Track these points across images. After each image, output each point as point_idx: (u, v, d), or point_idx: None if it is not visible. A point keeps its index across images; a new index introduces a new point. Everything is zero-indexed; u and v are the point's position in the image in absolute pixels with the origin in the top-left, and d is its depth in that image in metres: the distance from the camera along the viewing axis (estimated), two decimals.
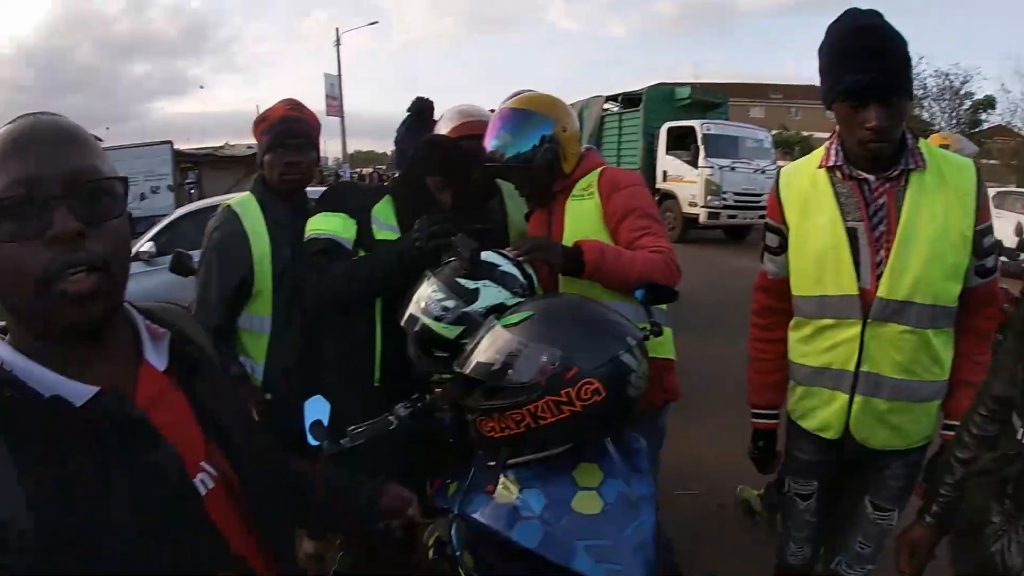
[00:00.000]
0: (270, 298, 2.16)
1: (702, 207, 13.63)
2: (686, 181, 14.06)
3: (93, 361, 0.83)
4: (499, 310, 1.66)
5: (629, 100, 15.77)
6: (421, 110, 2.28)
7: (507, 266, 1.76)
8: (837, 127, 1.69)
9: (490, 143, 2.00)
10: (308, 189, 2.32)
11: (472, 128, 2.19)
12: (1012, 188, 14.42)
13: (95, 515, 0.75)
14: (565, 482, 1.51)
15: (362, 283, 1.96)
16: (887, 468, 1.77)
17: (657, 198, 7.11)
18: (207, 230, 2.22)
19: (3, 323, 0.84)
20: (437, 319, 1.70)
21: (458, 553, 1.63)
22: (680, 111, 14.93)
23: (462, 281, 1.71)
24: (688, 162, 14.02)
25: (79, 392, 0.79)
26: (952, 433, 1.62)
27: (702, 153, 13.66)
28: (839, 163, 1.67)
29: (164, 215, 7.82)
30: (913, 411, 1.69)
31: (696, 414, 4.04)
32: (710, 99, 16.34)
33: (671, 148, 14.31)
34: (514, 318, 1.52)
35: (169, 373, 0.92)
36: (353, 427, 1.53)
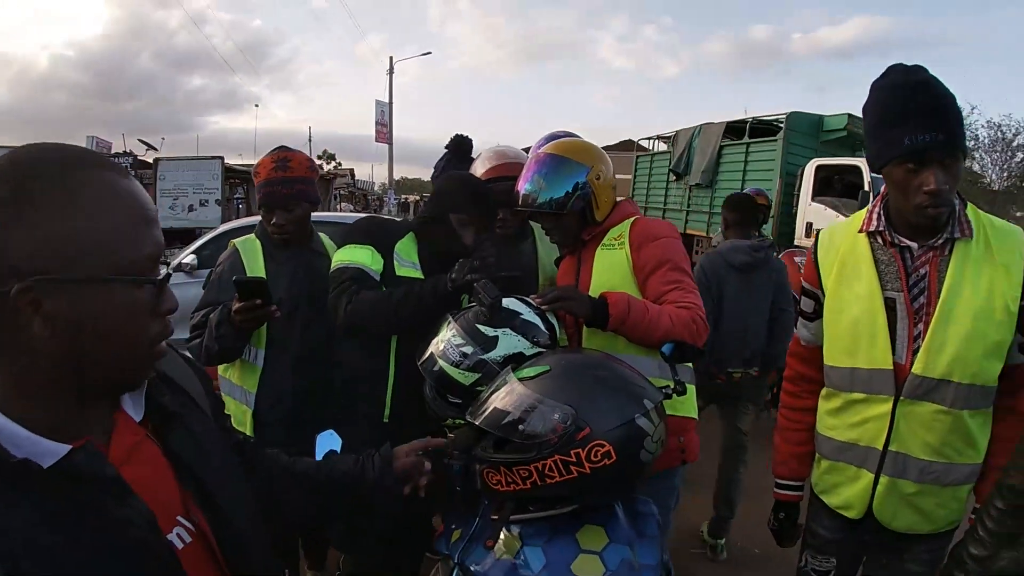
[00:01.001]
0: (264, 331, 2.21)
1: None
2: None
3: (75, 417, 0.81)
4: (518, 359, 1.64)
5: (759, 129, 12.14)
6: (460, 146, 2.31)
7: (529, 315, 1.75)
8: (883, 190, 1.62)
9: (523, 187, 1.99)
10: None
11: (506, 170, 2.22)
12: None
13: (69, 574, 0.74)
14: (568, 543, 1.47)
15: (392, 312, 1.94)
16: (909, 552, 1.68)
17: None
18: (216, 263, 2.34)
19: None
20: (454, 364, 1.70)
21: None
22: (829, 145, 11.28)
23: (482, 328, 1.70)
24: (845, 213, 9.62)
25: (51, 451, 0.77)
26: None
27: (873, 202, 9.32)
28: (881, 228, 1.59)
29: (210, 227, 8.01)
30: (941, 495, 1.60)
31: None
32: None
33: (819, 192, 10.29)
34: (530, 371, 1.51)
35: (145, 423, 0.90)
36: None
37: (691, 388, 2.00)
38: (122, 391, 0.84)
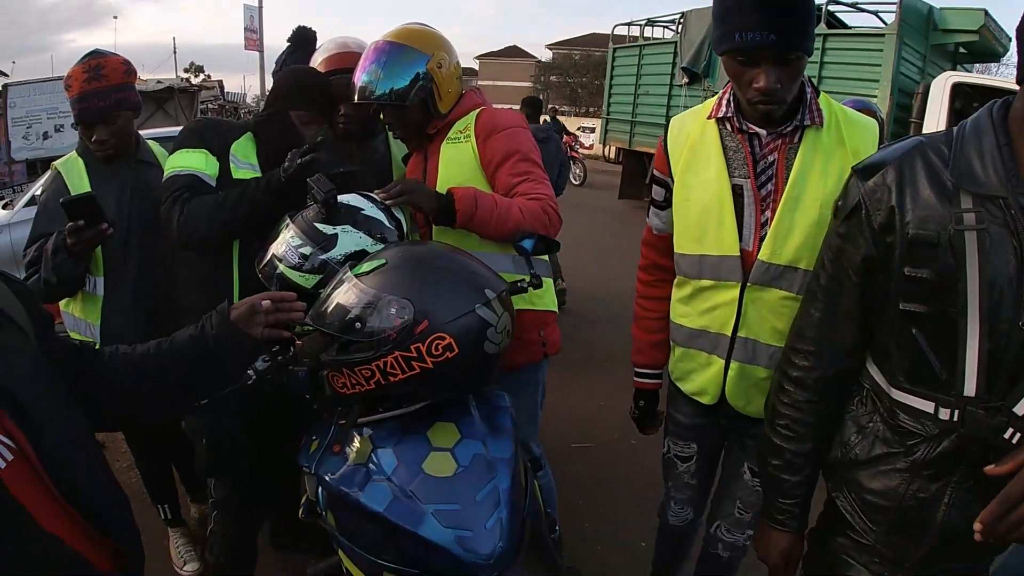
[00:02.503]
0: (100, 258, 2.07)
1: None
2: None
3: None
4: (360, 257, 1.54)
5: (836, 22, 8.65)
6: (302, 38, 2.11)
7: (371, 210, 1.65)
8: None
9: (360, 78, 1.86)
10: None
11: (347, 60, 2.05)
12: None
13: None
14: (419, 442, 1.43)
15: (227, 215, 1.81)
16: None
17: None
18: (41, 191, 2.15)
19: None
20: (294, 267, 1.59)
21: (324, 513, 1.55)
22: (941, 55, 8.15)
23: (320, 226, 1.59)
24: None
25: None
26: None
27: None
28: (730, 115, 1.55)
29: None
30: None
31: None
32: (996, 45, 8.24)
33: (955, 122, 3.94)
34: (367, 267, 1.41)
35: None
36: None
37: (548, 281, 1.98)
38: None
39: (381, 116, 2.00)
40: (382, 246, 1.60)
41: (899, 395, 1.17)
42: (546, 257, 1.94)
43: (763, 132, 1.52)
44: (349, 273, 1.42)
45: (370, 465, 1.42)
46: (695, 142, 1.62)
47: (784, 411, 1.34)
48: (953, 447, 1.11)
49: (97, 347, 2.00)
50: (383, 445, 1.44)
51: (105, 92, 2.00)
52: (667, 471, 1.96)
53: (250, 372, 1.46)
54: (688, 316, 1.71)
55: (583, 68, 35.94)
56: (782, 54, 1.37)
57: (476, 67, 50.17)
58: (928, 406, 1.13)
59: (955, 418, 1.09)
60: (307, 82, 1.96)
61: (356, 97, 1.88)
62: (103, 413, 1.14)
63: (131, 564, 1.00)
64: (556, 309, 2.04)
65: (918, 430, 1.15)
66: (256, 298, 1.28)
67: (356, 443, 1.47)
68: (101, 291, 2.09)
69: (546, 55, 45.26)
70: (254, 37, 11.41)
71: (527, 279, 1.61)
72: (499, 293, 1.42)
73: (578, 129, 21.23)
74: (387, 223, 1.65)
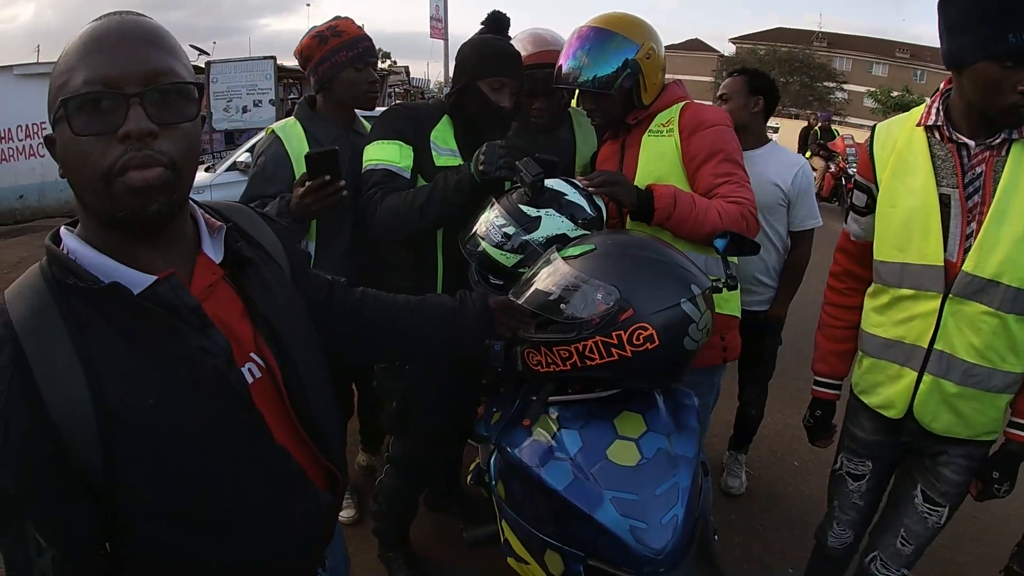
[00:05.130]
0: (314, 223, 2.10)
1: None
2: None
3: (155, 252, 0.86)
4: (562, 241, 1.59)
5: None
6: (496, 23, 2.14)
7: (574, 195, 1.67)
8: (943, 85, 1.54)
9: (566, 63, 1.85)
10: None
11: (545, 57, 2.05)
12: None
13: (149, 397, 0.81)
14: (605, 428, 1.45)
15: (417, 215, 1.80)
16: (944, 455, 1.64)
17: None
18: (254, 154, 2.17)
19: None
20: (497, 245, 1.65)
21: (494, 483, 1.61)
22: None
23: (524, 208, 1.64)
24: None
25: (137, 280, 0.83)
26: (1018, 432, 1.54)
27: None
28: (940, 123, 1.51)
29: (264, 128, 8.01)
30: (981, 400, 1.55)
31: None
32: None
33: None
34: (575, 251, 1.45)
35: (224, 266, 0.96)
36: None
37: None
38: (132, 226, 0.83)
39: (574, 104, 2.00)
40: (582, 231, 1.62)
41: None
42: (736, 260, 1.83)
43: (972, 143, 1.48)
44: (557, 255, 1.46)
45: (554, 443, 1.46)
46: (902, 149, 1.59)
47: None
48: None
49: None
50: (569, 426, 1.47)
51: (373, 44, 2.16)
52: (835, 489, 1.88)
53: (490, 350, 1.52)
54: (883, 326, 1.66)
55: (768, 63, 33.86)
56: None
57: None
58: None
59: None
60: (489, 48, 1.93)
61: (559, 81, 1.88)
62: (343, 343, 1.28)
63: (340, 487, 1.09)
64: (739, 315, 2.00)
65: None
66: (510, 301, 1.45)
67: (542, 420, 1.52)
68: (312, 254, 2.15)
69: (729, 49, 43.76)
70: (439, 26, 11.81)
71: (722, 279, 1.59)
72: (704, 290, 1.41)
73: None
74: (588, 209, 1.67)
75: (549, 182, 1.66)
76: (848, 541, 1.87)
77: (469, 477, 1.92)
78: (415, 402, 2.02)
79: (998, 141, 1.46)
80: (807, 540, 2.07)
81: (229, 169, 6.88)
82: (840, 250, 1.83)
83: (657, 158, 1.85)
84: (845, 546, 1.88)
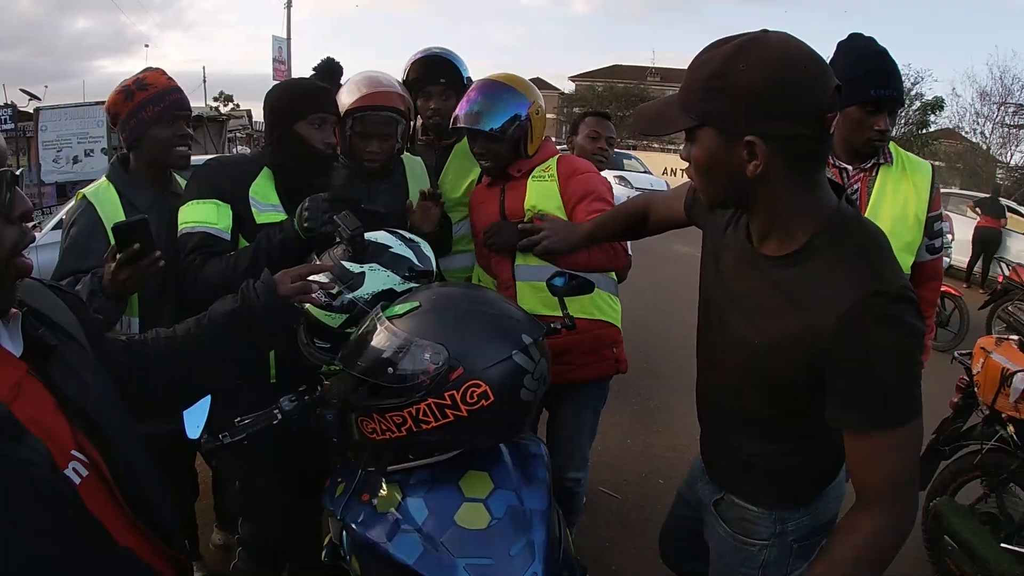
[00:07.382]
0: (134, 298, 1.84)
1: None
2: None
3: None
4: (389, 296, 1.50)
5: None
6: (328, 71, 2.07)
7: (399, 248, 1.60)
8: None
9: (467, 107, 2.04)
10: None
11: (382, 99, 2.03)
12: (955, 190, 14.58)
13: None
14: (451, 492, 1.37)
15: (242, 281, 1.59)
16: None
17: None
18: (64, 224, 1.92)
19: None
20: (321, 306, 1.54)
21: (348, 558, 1.50)
22: None
23: (347, 264, 1.55)
24: None
25: None
26: None
27: None
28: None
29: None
30: None
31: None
32: None
33: None
34: (400, 309, 1.37)
35: (25, 358, 0.87)
36: (238, 418, 1.37)
37: (617, 300, 2.25)
38: None
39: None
40: (410, 285, 1.56)
41: None
42: (614, 275, 2.21)
43: (850, 167, 2.00)
44: (381, 315, 1.38)
45: (399, 514, 1.36)
46: None
47: None
48: None
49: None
50: (413, 494, 1.38)
51: (185, 96, 2.00)
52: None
53: (277, 412, 1.42)
54: None
55: (606, 99, 36.03)
56: (896, 105, 1.90)
57: None
58: None
59: None
60: (300, 87, 1.88)
61: (460, 123, 2.05)
62: (151, 403, 1.20)
63: (189, 571, 1.03)
64: (620, 326, 2.24)
65: None
66: (308, 283, 1.40)
67: (384, 491, 1.42)
68: (136, 332, 1.89)
69: (569, 87, 45.85)
70: (282, 68, 11.62)
71: (565, 321, 1.57)
72: (536, 338, 1.37)
73: None
74: (417, 261, 1.60)
75: (372, 235, 1.58)
76: None
77: (323, 553, 1.78)
78: (256, 480, 1.86)
79: (869, 165, 2.00)
80: None
81: (55, 228, 6.24)
82: None
83: (545, 198, 2.07)
84: None
